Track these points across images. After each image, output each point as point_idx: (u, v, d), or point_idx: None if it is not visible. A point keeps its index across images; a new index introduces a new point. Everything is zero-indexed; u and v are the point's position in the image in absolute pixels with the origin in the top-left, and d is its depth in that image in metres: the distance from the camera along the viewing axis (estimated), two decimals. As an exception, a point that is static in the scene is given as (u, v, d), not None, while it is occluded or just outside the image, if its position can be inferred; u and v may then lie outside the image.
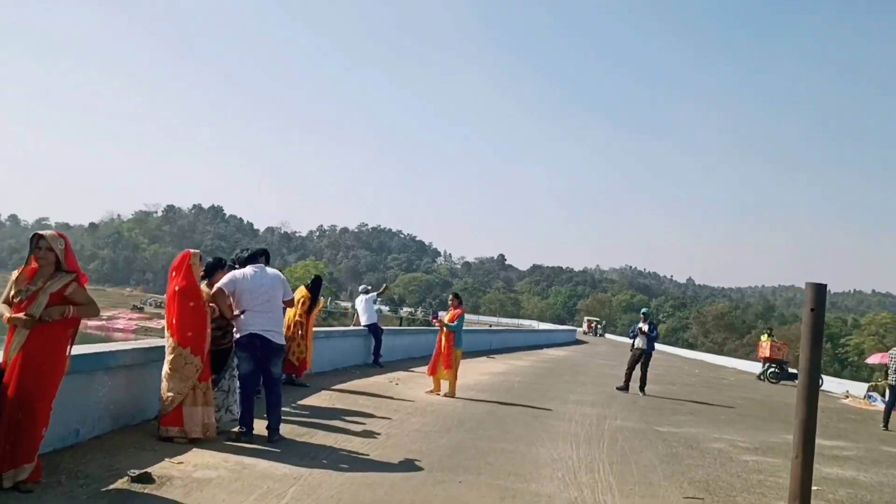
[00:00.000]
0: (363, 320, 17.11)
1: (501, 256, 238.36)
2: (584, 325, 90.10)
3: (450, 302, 13.44)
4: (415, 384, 13.64)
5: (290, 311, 11.97)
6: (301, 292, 12.35)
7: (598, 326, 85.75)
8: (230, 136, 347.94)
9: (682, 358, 42.40)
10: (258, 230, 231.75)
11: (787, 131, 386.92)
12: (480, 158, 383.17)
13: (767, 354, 25.34)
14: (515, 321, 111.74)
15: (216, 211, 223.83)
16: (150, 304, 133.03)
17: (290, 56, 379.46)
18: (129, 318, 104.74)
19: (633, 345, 16.75)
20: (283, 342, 7.47)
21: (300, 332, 11.82)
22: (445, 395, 12.35)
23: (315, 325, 13.09)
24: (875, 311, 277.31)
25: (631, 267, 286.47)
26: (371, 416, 9.46)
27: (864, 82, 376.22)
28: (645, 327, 16.40)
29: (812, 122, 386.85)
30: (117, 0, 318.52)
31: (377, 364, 16.72)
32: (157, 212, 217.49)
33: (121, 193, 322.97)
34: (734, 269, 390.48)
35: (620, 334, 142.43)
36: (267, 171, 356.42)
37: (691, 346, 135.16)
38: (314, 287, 12.54)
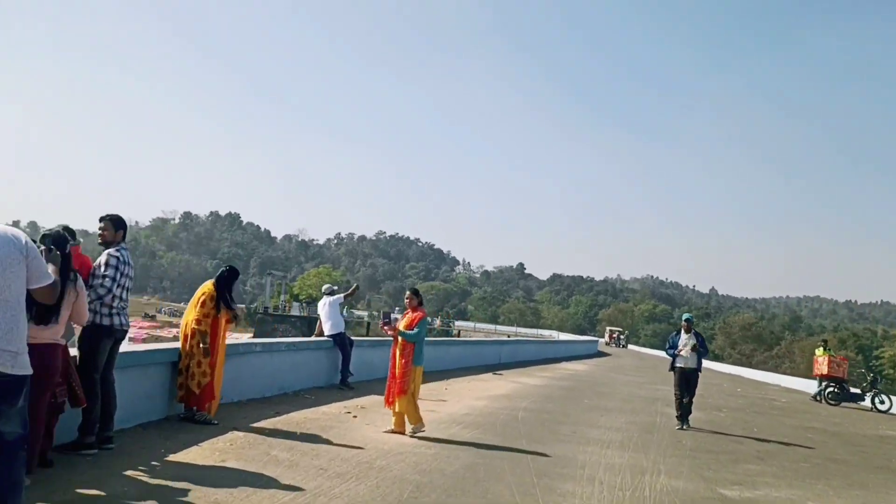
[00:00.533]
0: (327, 329, 13.49)
1: (521, 265, 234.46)
2: (606, 336, 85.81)
3: (406, 301, 9.53)
4: (380, 417, 9.96)
5: (187, 314, 8.43)
6: (204, 288, 8.71)
7: (621, 337, 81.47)
8: (249, 143, 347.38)
9: (716, 372, 38.33)
10: (276, 237, 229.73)
11: (813, 142, 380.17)
12: (500, 167, 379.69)
13: (825, 371, 21.34)
14: (534, 331, 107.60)
15: (233, 218, 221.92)
16: (164, 312, 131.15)
17: (308, 62, 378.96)
18: (140, 327, 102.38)
19: (672, 363, 12.74)
20: (23, 371, 3.73)
21: (201, 345, 8.12)
22: (412, 435, 8.64)
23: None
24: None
25: (653, 276, 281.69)
26: (275, 482, 5.86)
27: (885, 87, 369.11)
28: (690, 340, 12.60)
29: (840, 134, 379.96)
30: (138, 2, 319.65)
31: (344, 385, 13.07)
32: (174, 219, 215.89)
33: (139, 200, 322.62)
34: (758, 279, 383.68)
35: (643, 345, 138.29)
36: (285, 178, 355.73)
37: (718, 358, 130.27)
38: (223, 280, 8.74)
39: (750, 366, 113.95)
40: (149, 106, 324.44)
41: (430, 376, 15.90)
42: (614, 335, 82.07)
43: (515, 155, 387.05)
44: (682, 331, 12.69)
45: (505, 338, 39.25)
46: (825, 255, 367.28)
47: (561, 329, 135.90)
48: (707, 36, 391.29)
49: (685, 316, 13.39)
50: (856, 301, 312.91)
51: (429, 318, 10.02)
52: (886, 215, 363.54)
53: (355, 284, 14.14)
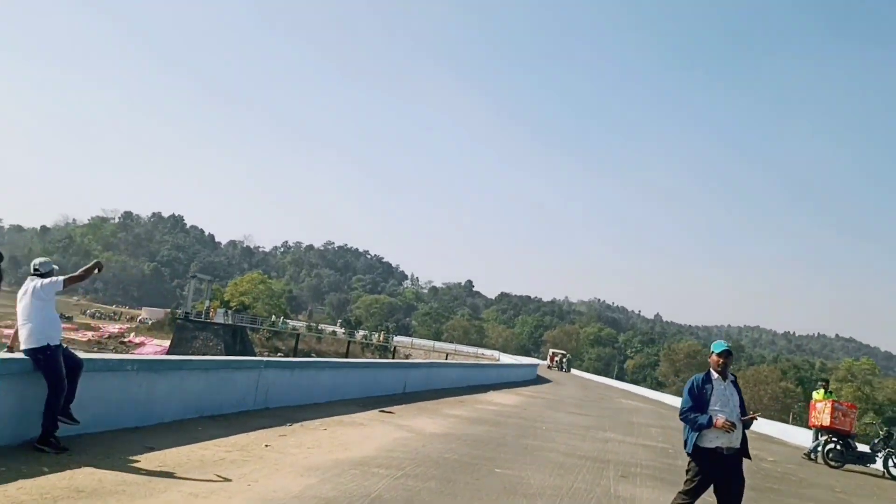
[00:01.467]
0: (23, 336, 7.12)
1: (469, 283, 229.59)
2: (549, 359, 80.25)
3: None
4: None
5: None
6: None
7: (564, 360, 75.52)
8: (199, 145, 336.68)
9: (670, 406, 33.18)
10: (220, 242, 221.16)
11: (759, 176, 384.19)
12: (454, 185, 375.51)
13: (827, 423, 15.81)
14: (475, 350, 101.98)
15: (176, 220, 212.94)
16: (88, 315, 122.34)
17: (264, 61, 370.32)
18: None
19: (694, 442, 6.31)
20: None
21: None
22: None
23: None
24: (838, 355, 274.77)
25: (599, 300, 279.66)
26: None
27: (836, 131, 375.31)
28: (731, 394, 6.50)
29: (784, 168, 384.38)
30: (91, 1, 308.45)
31: (47, 443, 6.75)
32: (114, 218, 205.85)
33: (79, 198, 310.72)
34: (701, 307, 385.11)
35: (586, 369, 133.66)
36: (234, 183, 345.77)
37: (660, 385, 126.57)
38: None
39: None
40: (95, 100, 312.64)
41: (277, 415, 10.95)
42: (556, 358, 76.43)
43: (470, 174, 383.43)
44: (715, 373, 6.44)
45: (420, 360, 33.31)
46: (766, 287, 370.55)
47: (504, 349, 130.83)
48: (658, 72, 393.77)
49: (719, 346, 6.58)
50: (794, 332, 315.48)
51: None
52: (826, 251, 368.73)
53: (95, 261, 7.89)
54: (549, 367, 72.00)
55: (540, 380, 40.94)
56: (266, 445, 8.44)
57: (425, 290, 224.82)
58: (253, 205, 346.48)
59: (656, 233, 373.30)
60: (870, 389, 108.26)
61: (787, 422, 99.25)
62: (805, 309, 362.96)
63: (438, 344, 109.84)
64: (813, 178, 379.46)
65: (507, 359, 71.77)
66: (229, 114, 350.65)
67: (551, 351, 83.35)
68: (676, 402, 38.03)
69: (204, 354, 64.72)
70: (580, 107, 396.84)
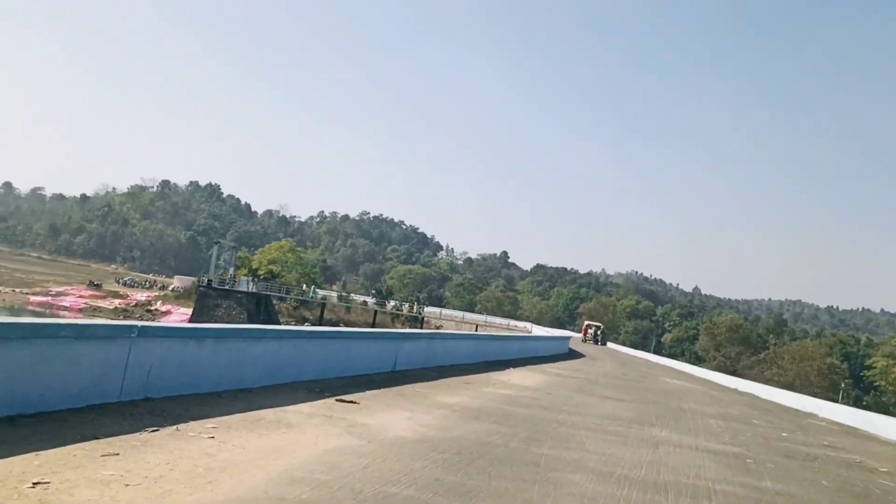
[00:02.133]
0: None
1: (504, 254, 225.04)
2: (582, 332, 75.52)
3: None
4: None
5: None
6: None
7: (599, 333, 70.84)
8: (236, 116, 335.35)
9: (719, 387, 28.84)
10: (256, 212, 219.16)
11: (801, 142, 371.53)
12: (491, 155, 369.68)
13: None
14: (507, 321, 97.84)
15: (213, 189, 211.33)
16: (120, 282, 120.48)
17: (297, 39, 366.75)
18: (80, 296, 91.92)
19: None
20: None
21: None
22: None
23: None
24: (884, 330, 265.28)
25: (637, 272, 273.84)
26: None
27: (882, 89, 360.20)
28: None
29: (826, 134, 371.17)
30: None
31: None
32: (152, 187, 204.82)
33: (120, 166, 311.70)
34: (741, 280, 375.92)
35: (623, 342, 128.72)
36: (271, 153, 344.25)
37: (700, 360, 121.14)
38: None
39: (735, 370, 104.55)
40: (134, 71, 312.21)
41: (155, 410, 7.25)
42: (591, 330, 71.60)
43: (507, 143, 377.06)
44: None
45: (416, 331, 29.26)
46: (809, 260, 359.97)
47: (539, 321, 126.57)
48: (705, 32, 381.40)
49: None
50: (837, 307, 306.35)
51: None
52: (872, 224, 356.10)
53: None
54: (583, 340, 67.65)
55: (572, 354, 36.78)
56: (34, 483, 4.48)
57: (460, 262, 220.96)
58: (289, 175, 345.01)
59: (696, 203, 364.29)
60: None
61: (836, 400, 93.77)
62: (849, 283, 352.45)
63: (469, 315, 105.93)
64: (865, 144, 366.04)
65: (539, 331, 67.62)
66: (266, 86, 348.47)
67: (586, 323, 78.68)
68: (728, 381, 33.57)
69: (226, 323, 61.74)
70: (623, 68, 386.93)
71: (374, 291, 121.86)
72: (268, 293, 79.75)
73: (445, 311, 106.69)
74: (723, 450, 10.60)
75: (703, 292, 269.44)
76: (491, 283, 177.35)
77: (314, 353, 11.07)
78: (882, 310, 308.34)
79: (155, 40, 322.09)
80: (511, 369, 19.43)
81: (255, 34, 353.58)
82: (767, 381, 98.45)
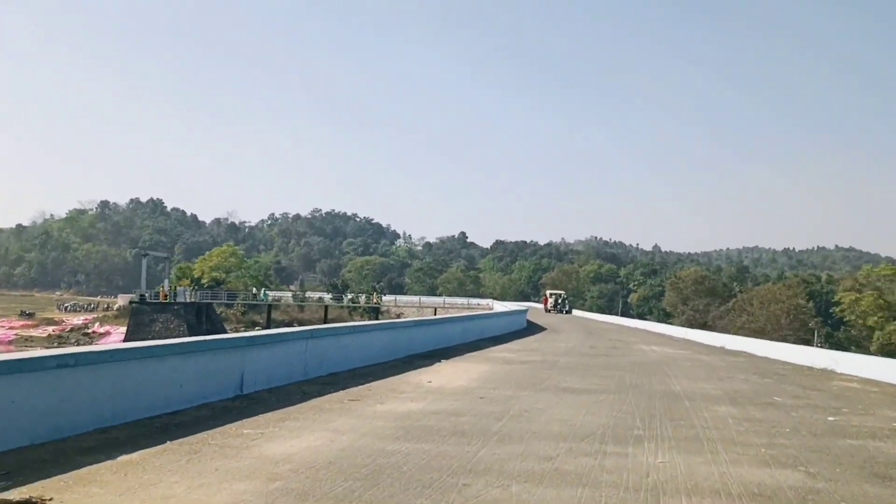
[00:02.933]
0: None
1: (463, 234, 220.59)
2: (543, 302, 70.00)
3: None
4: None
5: None
6: None
7: (562, 301, 65.17)
8: (171, 125, 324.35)
9: (705, 349, 24.26)
10: (204, 222, 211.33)
11: (738, 94, 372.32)
12: (438, 135, 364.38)
13: None
14: (467, 301, 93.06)
15: (156, 204, 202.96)
16: (63, 309, 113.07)
17: (231, 30, 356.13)
18: (11, 327, 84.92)
19: None
20: None
21: None
22: None
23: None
24: (840, 265, 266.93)
25: (596, 237, 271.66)
26: None
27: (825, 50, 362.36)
28: None
29: (765, 87, 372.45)
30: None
31: None
32: (91, 209, 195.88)
33: (56, 192, 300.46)
34: (698, 233, 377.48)
35: (589, 308, 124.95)
36: (211, 160, 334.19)
37: (668, 316, 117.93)
38: None
39: (705, 322, 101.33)
40: (63, 90, 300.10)
41: None
42: (551, 300, 65.65)
43: (452, 124, 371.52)
44: None
45: (284, 329, 24.01)
46: (760, 206, 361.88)
47: (503, 297, 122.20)
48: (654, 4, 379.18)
49: None
50: (793, 248, 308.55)
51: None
52: (818, 162, 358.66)
53: None
54: (545, 310, 62.99)
55: (531, 329, 32.02)
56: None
57: (419, 247, 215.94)
58: (235, 182, 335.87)
59: (646, 161, 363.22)
60: (891, 297, 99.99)
61: (811, 341, 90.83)
62: (801, 223, 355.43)
63: (426, 298, 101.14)
64: (795, 92, 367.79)
65: (500, 307, 62.88)
66: (201, 94, 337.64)
67: (547, 292, 73.61)
68: (710, 338, 28.90)
69: (165, 338, 55.95)
70: (568, 39, 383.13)
71: (327, 286, 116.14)
72: (209, 301, 73.97)
73: (400, 298, 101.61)
74: (772, 481, 5.79)
75: (663, 249, 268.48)
76: (451, 264, 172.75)
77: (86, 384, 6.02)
78: (836, 246, 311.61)
79: (79, 57, 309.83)
80: (442, 362, 14.50)
81: (185, 42, 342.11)
82: (739, 329, 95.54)
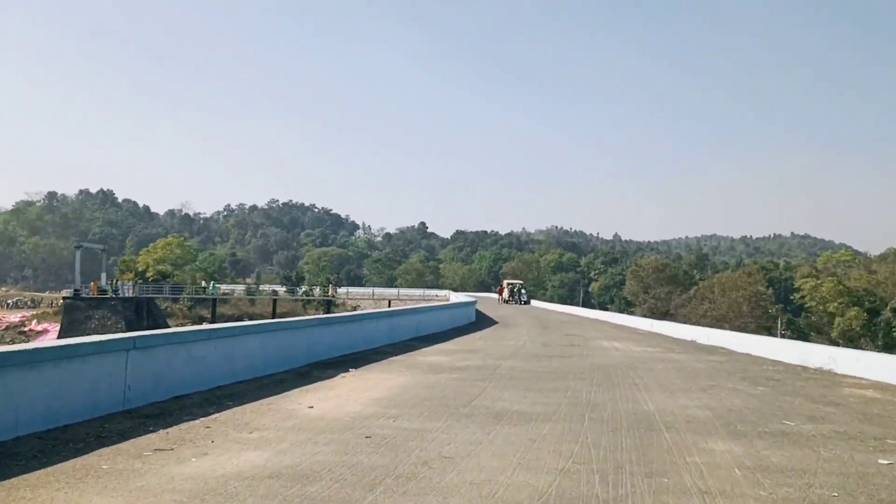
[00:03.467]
0: None
1: (423, 224, 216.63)
2: (498, 293, 65.77)
3: None
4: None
5: None
6: None
7: (520, 291, 61.41)
8: (124, 113, 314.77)
9: (677, 344, 21.25)
10: (157, 213, 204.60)
11: (693, 83, 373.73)
12: (398, 125, 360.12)
13: None
14: (423, 292, 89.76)
15: (106, 196, 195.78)
16: (15, 305, 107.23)
17: (184, 20, 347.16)
18: (-63, 326, 79.41)
19: None
20: None
21: None
22: None
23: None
24: (796, 252, 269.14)
25: (557, 227, 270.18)
26: None
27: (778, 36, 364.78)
28: None
29: (716, 75, 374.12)
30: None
31: None
32: (39, 200, 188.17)
33: (1, 184, 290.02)
34: (657, 222, 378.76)
35: (550, 298, 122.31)
36: (166, 150, 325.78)
37: (629, 304, 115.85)
38: None
39: (667, 311, 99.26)
40: (9, 82, 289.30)
41: None
42: (506, 290, 62.38)
43: (414, 113, 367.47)
44: None
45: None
46: (717, 195, 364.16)
47: (463, 287, 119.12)
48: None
49: None
50: (751, 236, 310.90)
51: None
52: (773, 152, 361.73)
53: None
54: (504, 301, 59.87)
55: (481, 322, 28.81)
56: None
57: (379, 238, 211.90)
58: (189, 171, 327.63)
59: (605, 155, 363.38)
60: (850, 282, 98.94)
61: (772, 330, 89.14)
62: (758, 211, 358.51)
63: (380, 290, 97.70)
64: (755, 78, 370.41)
65: (456, 298, 59.64)
66: (152, 83, 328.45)
67: (504, 282, 70.18)
68: (679, 331, 25.72)
69: (100, 335, 51.57)
70: (527, 32, 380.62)
71: (283, 279, 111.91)
72: (150, 296, 69.66)
73: (357, 290, 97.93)
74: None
75: (623, 238, 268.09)
76: (411, 255, 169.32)
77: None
78: (792, 233, 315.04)
79: (24, 46, 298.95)
80: (349, 373, 11.22)
81: (136, 31, 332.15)
82: (702, 318, 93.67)
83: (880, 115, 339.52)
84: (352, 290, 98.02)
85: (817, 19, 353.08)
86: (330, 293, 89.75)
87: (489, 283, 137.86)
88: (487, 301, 58.94)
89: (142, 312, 64.04)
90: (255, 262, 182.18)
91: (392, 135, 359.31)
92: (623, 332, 26.11)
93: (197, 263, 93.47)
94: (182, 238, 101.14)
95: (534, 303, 60.68)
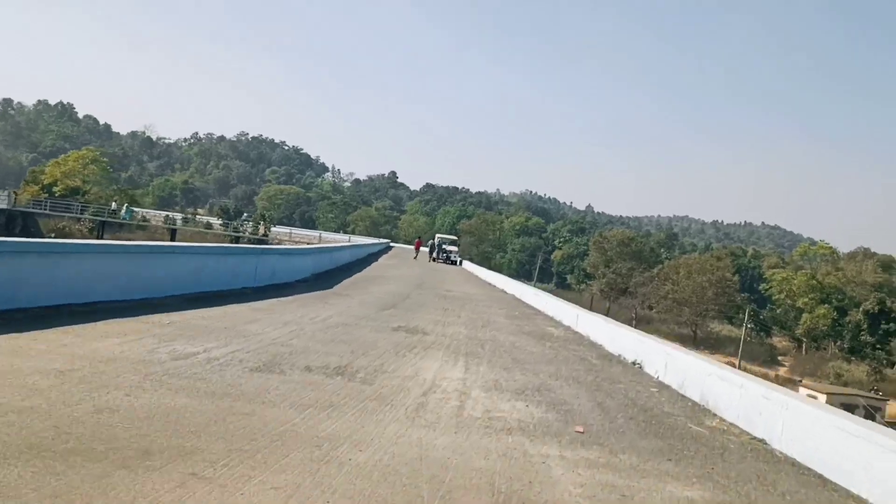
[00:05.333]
0: None
1: (393, 174, 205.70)
2: (415, 247, 54.62)
3: None
4: None
5: None
6: None
7: (440, 248, 51.38)
8: (93, 26, 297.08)
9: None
10: (118, 133, 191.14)
11: (688, 67, 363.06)
12: (381, 71, 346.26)
13: None
14: (348, 238, 78.80)
15: (65, 109, 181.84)
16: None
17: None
18: None
19: None
20: None
21: None
22: None
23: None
24: (765, 242, 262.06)
25: (532, 192, 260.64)
26: None
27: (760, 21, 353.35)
28: None
29: (713, 60, 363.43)
30: None
31: None
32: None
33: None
34: (632, 197, 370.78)
35: (509, 262, 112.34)
36: (135, 68, 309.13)
37: (589, 277, 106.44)
38: None
39: (626, 289, 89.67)
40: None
41: None
42: (422, 247, 52.79)
43: (396, 60, 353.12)
44: None
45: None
46: (696, 177, 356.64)
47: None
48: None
49: None
50: (722, 221, 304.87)
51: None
52: (750, 141, 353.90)
53: None
54: (432, 259, 49.71)
55: (328, 278, 18.63)
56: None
57: (347, 183, 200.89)
58: (159, 94, 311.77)
59: (587, 124, 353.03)
60: (822, 276, 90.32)
61: (734, 319, 79.94)
62: (732, 198, 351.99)
63: (299, 231, 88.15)
64: (749, 63, 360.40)
65: (363, 242, 49.16)
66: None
67: (437, 237, 59.38)
68: (649, 352, 15.57)
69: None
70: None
71: (219, 210, 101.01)
72: (34, 210, 58.78)
73: (298, 232, 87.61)
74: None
75: (596, 210, 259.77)
76: (375, 202, 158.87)
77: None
78: (763, 223, 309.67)
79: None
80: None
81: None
82: (663, 299, 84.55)
83: (868, 115, 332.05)
84: (295, 231, 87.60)
85: (810, 8, 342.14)
86: (261, 231, 79.39)
87: (457, 241, 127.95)
88: (422, 256, 49.18)
89: (13, 228, 53.20)
90: (214, 193, 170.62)
91: (373, 81, 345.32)
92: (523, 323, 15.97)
93: (104, 183, 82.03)
94: (98, 152, 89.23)
95: (470, 266, 50.42)
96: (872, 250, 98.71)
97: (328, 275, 20.64)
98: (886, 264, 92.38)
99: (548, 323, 16.01)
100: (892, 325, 76.72)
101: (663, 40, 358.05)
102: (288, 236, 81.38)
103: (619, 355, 11.94)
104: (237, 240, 78.63)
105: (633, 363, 11.03)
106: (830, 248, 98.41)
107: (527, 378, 8.15)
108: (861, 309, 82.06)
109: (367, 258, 36.76)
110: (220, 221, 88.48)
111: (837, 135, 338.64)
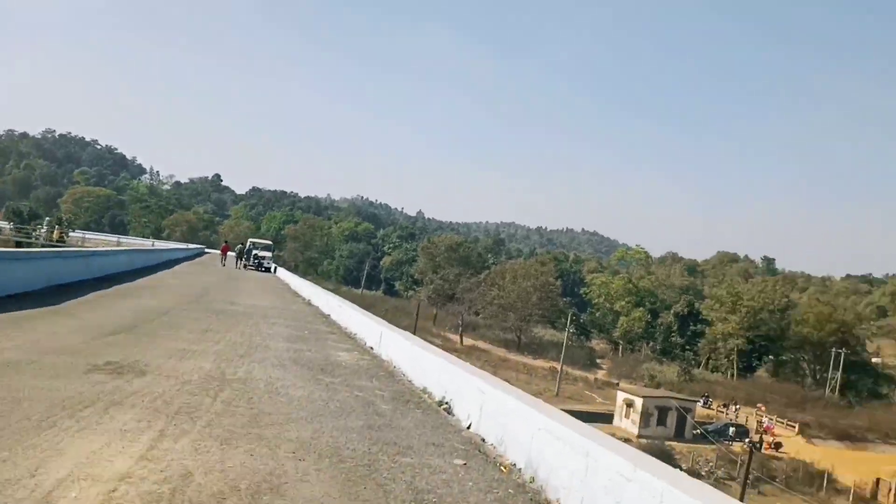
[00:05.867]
0: None
1: (217, 177, 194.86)
2: (222, 251, 49.72)
3: None
4: None
5: None
6: None
7: (250, 252, 46.84)
8: None
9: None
10: None
11: (504, 77, 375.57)
12: (204, 71, 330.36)
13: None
14: (153, 243, 72.02)
15: None
16: None
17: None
18: None
19: None
20: None
21: None
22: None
23: None
24: (584, 248, 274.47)
25: (362, 197, 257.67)
26: None
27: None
28: None
29: (527, 76, 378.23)
30: None
31: None
32: None
33: None
34: (462, 204, 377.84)
35: (336, 268, 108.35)
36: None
37: (417, 283, 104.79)
38: None
39: (453, 295, 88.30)
40: None
41: None
42: (229, 251, 47.55)
43: (222, 61, 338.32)
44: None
45: None
46: (520, 184, 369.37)
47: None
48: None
49: None
50: (546, 227, 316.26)
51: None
52: (570, 150, 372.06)
53: None
54: (244, 266, 45.07)
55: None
56: None
57: (167, 186, 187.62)
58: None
59: (417, 132, 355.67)
60: (637, 279, 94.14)
61: (557, 323, 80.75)
62: (554, 205, 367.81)
63: (93, 236, 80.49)
64: (556, 83, 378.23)
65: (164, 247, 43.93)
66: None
67: (249, 241, 54.64)
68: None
69: None
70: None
71: (10, 213, 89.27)
72: None
73: (93, 236, 78.91)
74: None
75: (426, 216, 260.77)
76: (196, 206, 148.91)
77: None
78: (583, 229, 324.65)
79: None
80: None
81: None
82: (489, 304, 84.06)
83: (682, 124, 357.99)
84: (90, 235, 78.80)
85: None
86: (55, 235, 70.30)
87: (273, 246, 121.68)
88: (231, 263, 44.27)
89: None
90: (12, 195, 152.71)
91: (195, 76, 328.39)
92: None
93: None
94: None
95: (284, 275, 46.13)
96: (680, 255, 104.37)
97: (76, 286, 16.24)
98: (692, 268, 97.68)
99: (342, 345, 12.84)
100: (699, 326, 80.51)
101: (483, 43, 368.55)
102: (81, 241, 72.82)
103: (424, 390, 8.98)
104: (24, 245, 69.14)
105: (441, 404, 8.11)
106: (645, 252, 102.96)
107: (252, 460, 4.88)
108: (672, 311, 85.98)
109: (161, 265, 31.93)
110: (10, 225, 77.92)
111: (650, 145, 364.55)
